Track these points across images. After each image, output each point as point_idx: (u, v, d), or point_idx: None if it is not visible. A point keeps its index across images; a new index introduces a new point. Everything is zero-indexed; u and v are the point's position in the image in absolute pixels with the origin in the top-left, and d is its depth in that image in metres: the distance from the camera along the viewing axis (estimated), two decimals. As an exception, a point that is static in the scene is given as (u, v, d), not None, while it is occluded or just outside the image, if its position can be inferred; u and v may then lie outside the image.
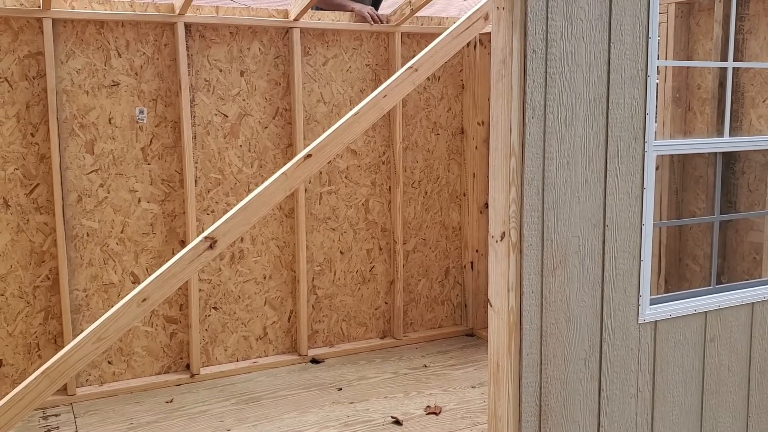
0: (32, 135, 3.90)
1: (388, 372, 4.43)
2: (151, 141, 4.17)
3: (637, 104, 2.46)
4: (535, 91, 2.30)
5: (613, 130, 2.43)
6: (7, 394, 3.80)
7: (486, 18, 3.77)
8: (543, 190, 2.33)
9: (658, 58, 4.03)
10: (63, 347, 3.88)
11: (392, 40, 4.71)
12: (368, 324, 4.89)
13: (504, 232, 2.34)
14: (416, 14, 4.66)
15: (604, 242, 2.45)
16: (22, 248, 3.92)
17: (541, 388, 2.40)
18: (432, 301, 5.08)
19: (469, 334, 5.08)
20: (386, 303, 4.93)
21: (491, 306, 2.42)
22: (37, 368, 3.80)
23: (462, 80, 5.01)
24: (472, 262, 5.09)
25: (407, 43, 4.78)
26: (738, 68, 3.60)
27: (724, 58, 3.51)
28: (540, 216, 2.34)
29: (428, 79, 4.87)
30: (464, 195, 5.08)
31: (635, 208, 2.49)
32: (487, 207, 4.98)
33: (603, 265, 2.45)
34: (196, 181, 4.27)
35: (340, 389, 4.18)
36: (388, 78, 4.53)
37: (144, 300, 3.02)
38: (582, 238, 2.41)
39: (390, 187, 4.85)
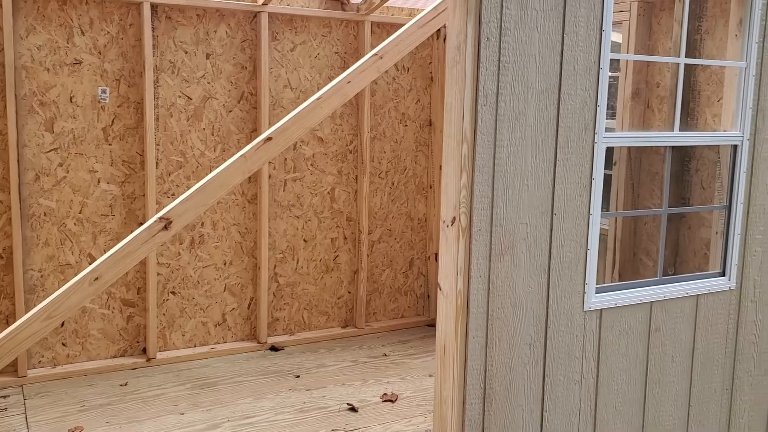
0: (-10, 111, 3.84)
1: (347, 360, 4.44)
2: (112, 121, 4.13)
3: (589, 96, 2.49)
4: (488, 78, 2.31)
5: (564, 120, 2.46)
6: (-44, 372, 3.75)
7: (451, 9, 3.78)
8: (493, 176, 2.35)
9: (620, 53, 4.09)
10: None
11: (362, 28, 4.71)
12: (330, 313, 4.89)
13: (454, 217, 2.36)
14: (387, 4, 4.67)
15: (551, 230, 2.48)
16: (-24, 225, 3.87)
17: (486, 372, 2.43)
18: (395, 291, 5.10)
19: (430, 324, 5.12)
20: (349, 292, 4.94)
21: (440, 289, 2.44)
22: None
23: (431, 72, 5.03)
24: (436, 254, 5.12)
25: (377, 32, 4.79)
26: (696, 68, 3.66)
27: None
28: (489, 202, 2.36)
29: (397, 70, 4.88)
30: (431, 187, 5.10)
31: (583, 198, 2.52)
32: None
33: (550, 252, 2.48)
34: (157, 163, 4.24)
35: (298, 376, 4.18)
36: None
37: (96, 279, 2.99)
38: (530, 226, 2.44)
39: (357, 176, 4.86)
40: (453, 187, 2.38)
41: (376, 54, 3.63)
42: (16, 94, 3.83)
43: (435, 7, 3.84)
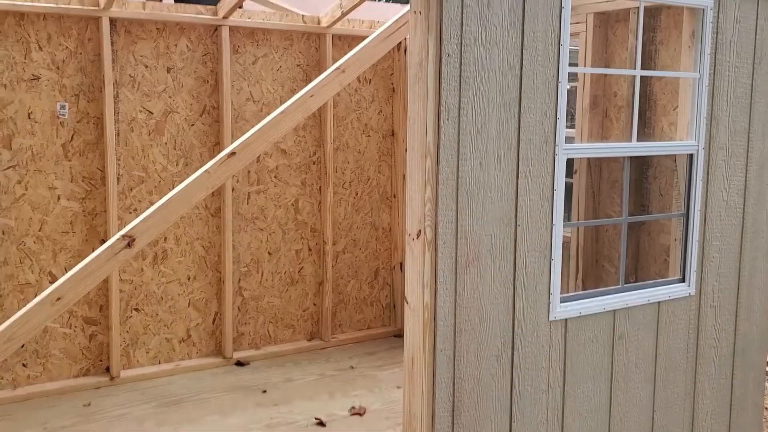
0: (-57, 128, 3.75)
1: (314, 374, 4.43)
2: (72, 137, 4.06)
3: (549, 109, 2.54)
4: (450, 93, 2.34)
5: (525, 133, 2.50)
6: None
7: (413, 22, 3.82)
8: (457, 189, 2.38)
9: (577, 66, 4.17)
10: (-27, 349, 3.74)
11: (323, 41, 4.72)
12: (296, 326, 4.87)
13: (420, 230, 2.37)
14: (348, 17, 4.69)
15: (515, 241, 2.51)
16: (-70, 246, 3.76)
17: (454, 385, 2.44)
18: (361, 302, 5.11)
19: (397, 335, 5.13)
20: (315, 304, 4.93)
21: (407, 303, 2.45)
22: (-55, 371, 3.66)
23: (393, 83, 5.06)
24: (401, 263, 5.14)
25: (338, 45, 4.80)
26: (651, 78, 3.76)
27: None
28: (454, 215, 2.38)
29: (359, 81, 4.90)
30: (394, 196, 5.12)
31: (546, 209, 2.56)
32: (416, 209, 5.06)
33: (515, 263, 2.52)
34: (118, 178, 4.18)
35: (265, 392, 4.15)
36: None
37: (58, 299, 2.94)
38: (494, 237, 2.47)
39: (320, 187, 4.85)
40: (418, 200, 2.40)
41: (338, 68, 3.64)
42: (-30, 111, 3.75)
43: (396, 21, 3.87)
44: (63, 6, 3.97)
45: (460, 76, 2.36)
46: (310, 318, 4.91)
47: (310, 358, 4.68)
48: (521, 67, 2.47)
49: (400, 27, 3.84)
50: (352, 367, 4.53)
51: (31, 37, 3.93)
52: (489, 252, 2.46)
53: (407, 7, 3.94)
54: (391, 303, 5.22)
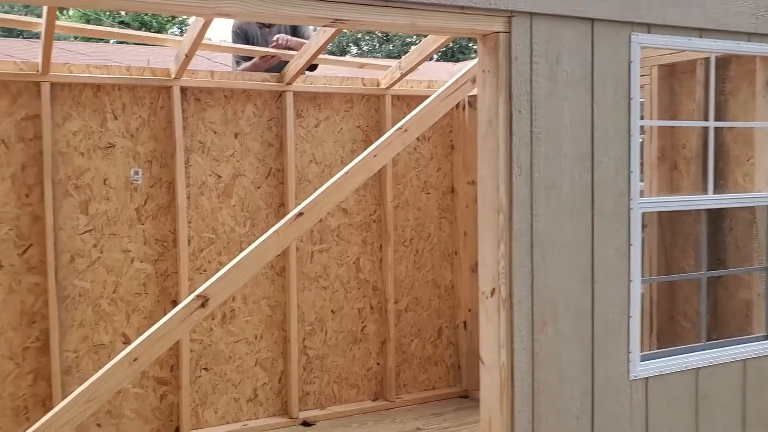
0: (27, 196, 3.93)
1: (380, 434, 4.36)
2: (145, 201, 4.21)
3: (622, 162, 2.52)
4: (522, 150, 2.36)
5: (599, 187, 2.48)
6: (-10, 459, 3.72)
7: (473, 81, 3.88)
8: (531, 246, 2.36)
9: (642, 118, 4.14)
10: (52, 410, 3.82)
11: (383, 102, 4.82)
12: (360, 385, 4.83)
13: (494, 288, 2.36)
14: (406, 78, 4.79)
15: (593, 298, 2.47)
16: (13, 309, 3.90)
17: (534, 447, 2.38)
18: (425, 361, 5.04)
19: (463, 395, 5.02)
20: (378, 364, 4.88)
21: (482, 363, 2.42)
22: (25, 431, 3.74)
23: (451, 140, 5.11)
24: (465, 322, 5.07)
25: (397, 105, 4.89)
26: (722, 129, 3.70)
27: (707, 118, 3.60)
28: (529, 272, 2.36)
29: (418, 139, 4.96)
30: (456, 253, 5.10)
31: (622, 264, 2.51)
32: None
33: (593, 321, 2.46)
34: (189, 240, 4.29)
35: (333, 452, 4.10)
36: (379, 139, 4.63)
37: (135, 360, 2.99)
38: (571, 294, 2.43)
39: (381, 245, 4.87)
40: (491, 257, 2.39)
41: (401, 128, 3.70)
42: (52, 179, 3.93)
43: (456, 80, 3.93)
44: (136, 77, 4.18)
45: (531, 132, 2.37)
46: (374, 377, 4.87)
47: (376, 418, 4.62)
48: (592, 122, 2.47)
49: (460, 86, 3.90)
50: (419, 429, 4.45)
51: (107, 107, 4.13)
52: (566, 309, 2.42)
53: (465, 67, 4.02)
54: (456, 363, 5.13)
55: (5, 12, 5.15)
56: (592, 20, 2.47)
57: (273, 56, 4.62)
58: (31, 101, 3.94)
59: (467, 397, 5.01)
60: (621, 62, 2.52)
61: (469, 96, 4.88)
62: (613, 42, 2.51)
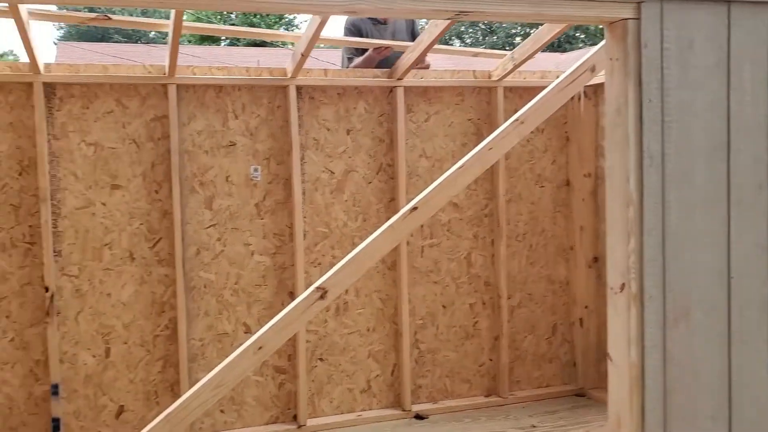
0: (156, 192, 4.17)
1: (494, 431, 4.32)
2: (264, 197, 4.37)
3: (761, 151, 2.37)
4: (652, 139, 2.26)
5: (735, 177, 2.35)
6: (127, 438, 3.99)
7: (592, 70, 3.76)
8: (663, 240, 2.27)
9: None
10: (179, 395, 4.04)
11: (494, 94, 4.77)
12: (472, 381, 4.81)
13: (623, 284, 2.28)
14: (519, 69, 4.71)
15: (729, 294, 2.34)
16: (144, 299, 4.15)
17: (666, 449, 2.28)
18: (539, 358, 4.95)
19: (579, 394, 4.90)
20: (491, 360, 4.84)
21: (611, 360, 2.35)
22: (155, 415, 3.97)
23: (566, 132, 4.98)
24: (581, 319, 4.94)
25: (510, 97, 4.83)
26: None
27: None
28: (661, 267, 2.27)
29: (531, 131, 4.86)
30: (571, 248, 4.98)
31: (762, 259, 2.37)
32: (596, 261, 4.87)
33: (729, 318, 2.34)
34: (304, 234, 4.41)
35: (446, 446, 4.10)
36: (491, 132, 4.55)
37: (260, 348, 3.11)
38: (705, 290, 2.31)
39: (493, 240, 4.83)
40: (620, 251, 2.31)
41: (517, 119, 3.64)
42: (179, 176, 4.15)
43: (575, 70, 3.82)
44: (255, 77, 4.34)
45: (662, 121, 2.27)
46: (486, 373, 4.83)
47: (489, 414, 4.59)
48: (728, 109, 2.34)
49: (579, 75, 3.79)
50: (534, 426, 4.38)
51: (228, 107, 4.31)
52: (699, 306, 2.31)
53: (582, 56, 3.90)
54: (572, 360, 5.01)
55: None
56: (729, 2, 2.34)
57: (387, 47, 4.66)
58: (159, 102, 4.17)
59: (583, 395, 4.88)
60: (759, 46, 2.36)
61: (585, 86, 4.74)
62: (752, 24, 2.36)
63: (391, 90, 4.59)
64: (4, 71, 3.94)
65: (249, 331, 4.29)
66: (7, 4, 3.43)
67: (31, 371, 3.99)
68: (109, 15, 3.95)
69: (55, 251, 3.98)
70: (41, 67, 3.91)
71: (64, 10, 4.26)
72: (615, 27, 2.33)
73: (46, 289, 3.95)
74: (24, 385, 3.98)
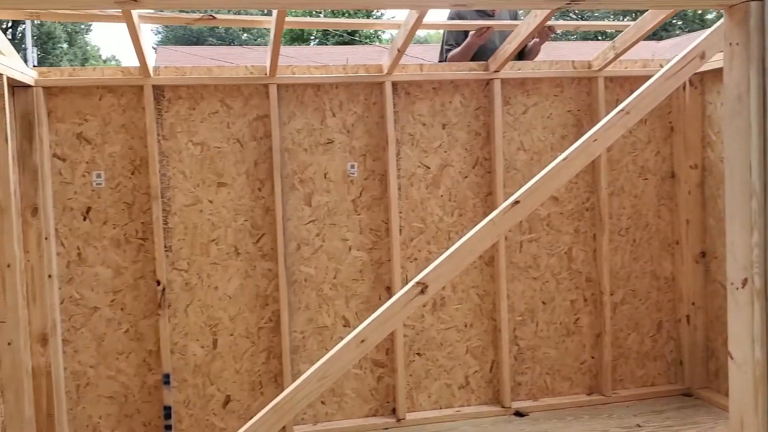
0: (259, 189, 4.30)
1: (597, 430, 4.21)
2: (360, 193, 4.42)
3: None
4: (777, 127, 2.13)
5: None
6: (233, 428, 4.13)
7: (702, 57, 3.58)
8: (790, 233, 2.13)
9: None
10: (282, 386, 4.16)
11: (595, 84, 4.63)
12: (574, 378, 4.70)
13: (746, 279, 2.16)
14: (620, 58, 4.55)
15: None
16: (249, 292, 4.29)
17: (795, 454, 2.15)
18: (643, 356, 4.78)
19: (686, 393, 4.69)
20: (593, 357, 4.72)
21: (732, 358, 2.23)
22: (260, 405, 4.11)
23: (671, 122, 4.78)
24: (688, 316, 4.73)
25: (610, 87, 4.68)
26: None
27: None
28: (787, 261, 2.14)
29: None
30: (677, 243, 4.77)
31: None
32: (703, 256, 4.65)
33: None
34: (400, 230, 4.43)
35: (547, 444, 4.03)
36: (591, 123, 4.45)
37: (362, 341, 3.14)
38: (840, 287, 2.16)
39: (595, 234, 4.69)
40: (742, 245, 2.19)
41: (623, 110, 3.51)
42: (281, 174, 4.26)
43: (682, 58, 3.65)
44: (352, 75, 4.38)
45: (789, 107, 2.14)
46: (588, 371, 4.71)
47: (591, 413, 4.47)
48: None
49: (687, 63, 3.62)
50: (639, 426, 4.23)
51: (326, 105, 4.38)
52: (832, 303, 2.16)
53: (693, 43, 3.72)
54: (678, 359, 4.81)
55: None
56: None
57: (488, 28, 4.61)
58: (261, 102, 4.29)
59: (690, 395, 4.68)
60: None
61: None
62: None
63: (488, 82, 4.54)
64: (116, 75, 4.16)
65: (348, 325, 4.36)
66: (120, 10, 3.61)
67: (145, 361, 4.20)
68: (213, 15, 4.09)
69: (165, 247, 4.18)
70: (150, 71, 4.10)
71: (172, 12, 4.44)
72: (736, 10, 2.21)
73: (158, 283, 4.14)
74: (138, 374, 4.19)
